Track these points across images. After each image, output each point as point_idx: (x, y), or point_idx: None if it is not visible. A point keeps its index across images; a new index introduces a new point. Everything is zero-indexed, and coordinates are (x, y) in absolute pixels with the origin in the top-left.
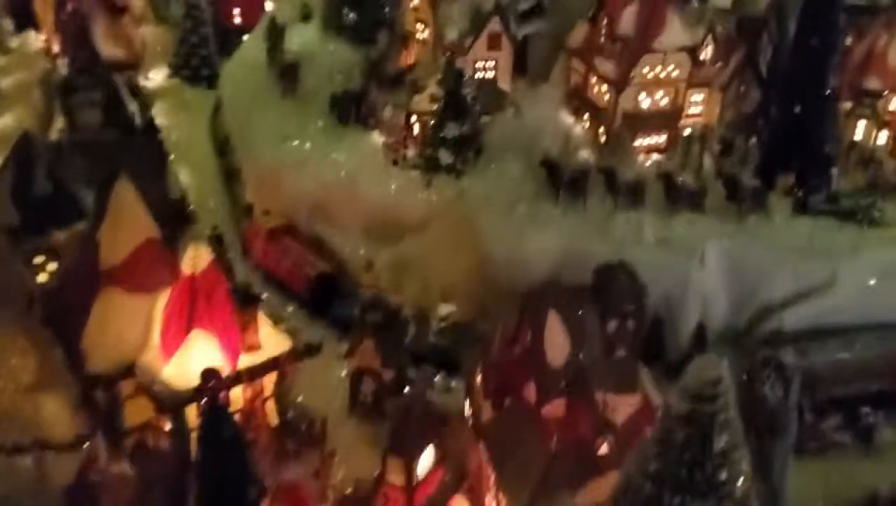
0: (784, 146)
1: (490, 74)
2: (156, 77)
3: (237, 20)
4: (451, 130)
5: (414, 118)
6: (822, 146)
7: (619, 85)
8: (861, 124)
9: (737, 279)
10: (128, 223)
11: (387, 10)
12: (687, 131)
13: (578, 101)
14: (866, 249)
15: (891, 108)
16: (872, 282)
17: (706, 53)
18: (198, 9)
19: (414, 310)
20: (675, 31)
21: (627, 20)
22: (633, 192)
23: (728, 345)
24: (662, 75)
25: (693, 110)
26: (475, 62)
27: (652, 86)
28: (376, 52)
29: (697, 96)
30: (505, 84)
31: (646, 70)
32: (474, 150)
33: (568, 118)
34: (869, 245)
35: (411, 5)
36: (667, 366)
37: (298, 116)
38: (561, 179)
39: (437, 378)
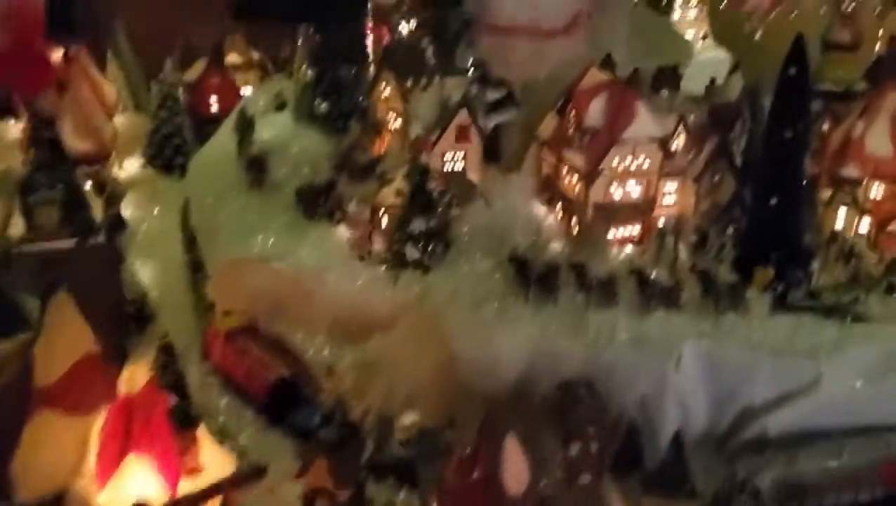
0: (761, 239)
1: (459, 166)
2: (129, 167)
3: (213, 108)
4: (418, 225)
5: (381, 212)
6: (799, 238)
7: (589, 176)
8: (842, 213)
9: (716, 381)
10: (65, 338)
11: (360, 99)
12: (661, 222)
13: (550, 192)
14: (851, 348)
15: (871, 195)
16: (858, 383)
17: (678, 143)
18: (171, 97)
19: (376, 418)
20: (644, 122)
21: (595, 111)
22: (605, 288)
23: (708, 452)
24: (633, 166)
25: (667, 201)
26: (443, 154)
27: (623, 177)
28: (346, 142)
29: (671, 187)
30: (475, 176)
31: (615, 161)
32: (442, 244)
33: (540, 209)
34: (853, 343)
35: (383, 95)
36: (644, 475)
37: (264, 210)
38: (530, 276)
39: (401, 495)
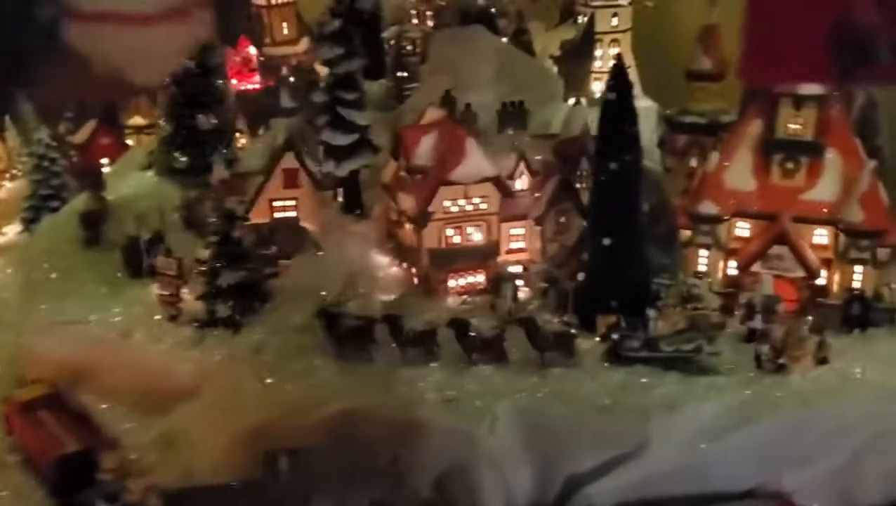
0: (602, 284)
1: (291, 214)
2: (8, 233)
3: (106, 169)
4: (227, 279)
5: (194, 266)
6: (641, 283)
7: (419, 220)
8: (703, 254)
9: (538, 445)
10: None
11: (223, 150)
12: (517, 269)
13: (392, 239)
14: (688, 404)
15: (737, 233)
16: (700, 443)
17: (521, 183)
18: (46, 158)
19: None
20: (475, 161)
21: (424, 152)
22: (422, 342)
23: None
24: (469, 208)
25: (514, 246)
26: (272, 201)
27: (459, 220)
28: (193, 194)
29: (517, 230)
30: (311, 224)
31: (447, 203)
32: (259, 299)
33: (381, 259)
34: (693, 398)
35: (239, 143)
36: None
37: (92, 268)
38: (340, 331)
39: None
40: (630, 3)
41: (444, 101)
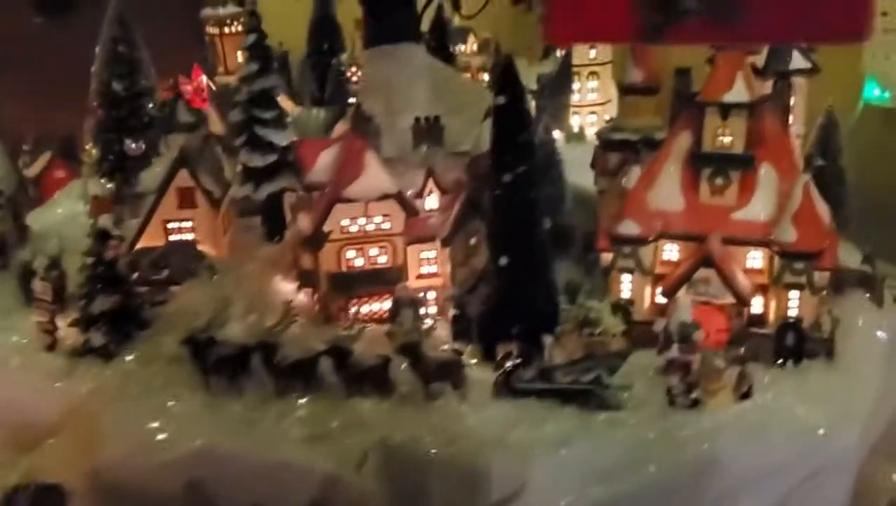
0: (501, 307)
1: (188, 236)
2: None
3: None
4: (101, 305)
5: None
6: (538, 306)
7: (313, 241)
8: (626, 280)
9: (408, 487)
10: None
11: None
12: (432, 295)
13: (296, 264)
14: (580, 442)
15: (665, 256)
16: (590, 486)
17: (431, 202)
18: None
19: None
20: (374, 177)
21: (322, 167)
22: (297, 372)
23: None
24: (371, 228)
25: (425, 270)
26: (166, 222)
27: (360, 241)
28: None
29: (428, 253)
30: (209, 247)
31: (345, 223)
32: (136, 326)
33: (286, 285)
34: (585, 436)
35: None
36: None
37: None
38: (209, 360)
39: None
40: None
41: (355, 115)
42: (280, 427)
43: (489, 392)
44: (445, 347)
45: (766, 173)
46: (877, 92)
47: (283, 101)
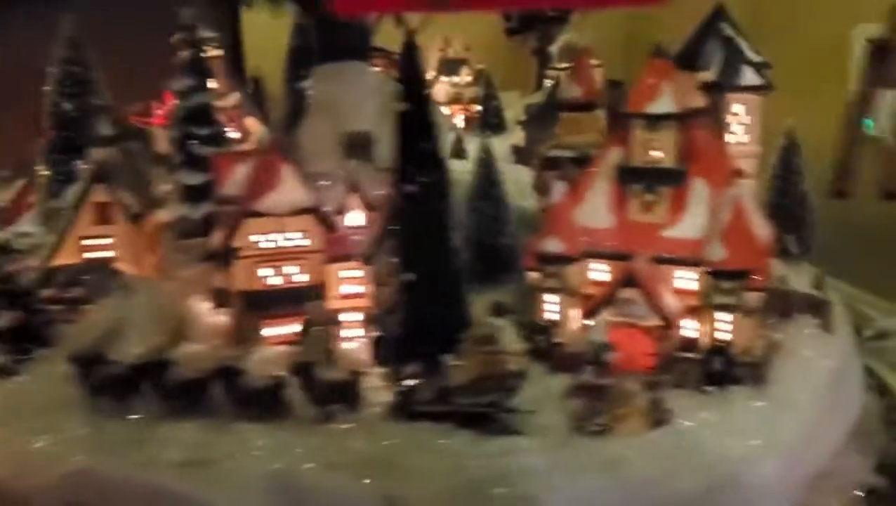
0: (408, 326)
1: (106, 253)
2: None
3: None
4: (3, 321)
5: None
6: (447, 325)
7: (223, 256)
8: (551, 300)
9: None
10: None
11: None
12: (355, 316)
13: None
14: (450, 472)
15: (593, 276)
16: None
17: (354, 219)
18: None
19: None
20: (289, 191)
21: (237, 181)
22: (186, 393)
23: None
24: (287, 245)
25: (348, 290)
26: (81, 239)
27: (276, 258)
28: None
29: (351, 272)
30: (128, 265)
31: (258, 238)
32: (38, 344)
33: (202, 304)
34: (477, 463)
35: None
36: None
37: None
38: (98, 379)
39: None
40: (599, 65)
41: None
42: (161, 451)
43: (378, 416)
44: (347, 369)
45: (698, 189)
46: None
47: (250, 123)
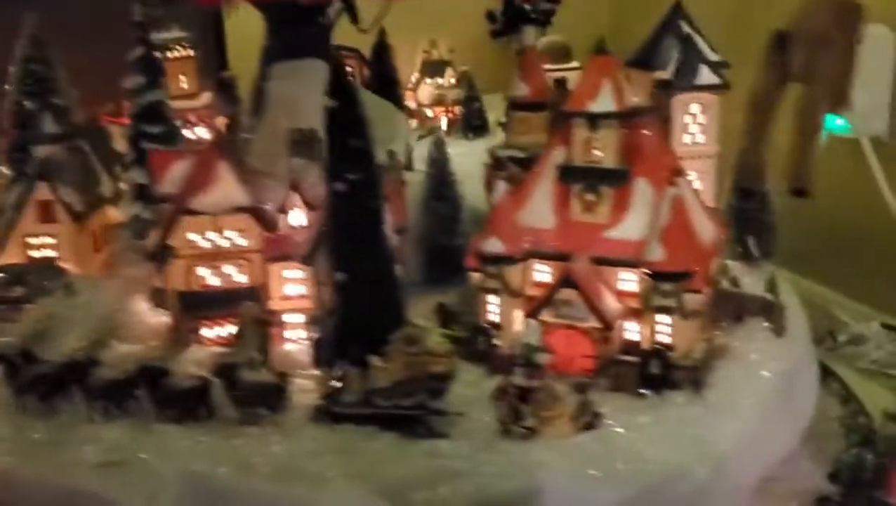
0: (342, 328)
1: (50, 252)
2: None
3: None
4: None
5: None
6: (381, 327)
7: (157, 256)
8: (493, 301)
9: None
10: None
11: None
12: (297, 318)
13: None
14: (381, 473)
15: (536, 277)
16: None
17: (296, 218)
18: None
19: None
20: (225, 189)
21: (174, 179)
22: (110, 394)
23: None
24: (225, 244)
25: (291, 291)
26: (25, 238)
27: (214, 258)
28: None
29: (292, 273)
30: (72, 264)
31: (194, 237)
32: None
33: (141, 304)
34: (390, 467)
35: None
36: None
37: None
38: (23, 379)
39: None
40: (578, 68)
41: (231, 123)
42: (81, 452)
43: (300, 419)
44: (275, 371)
45: (641, 189)
46: (839, 122)
47: (220, 123)
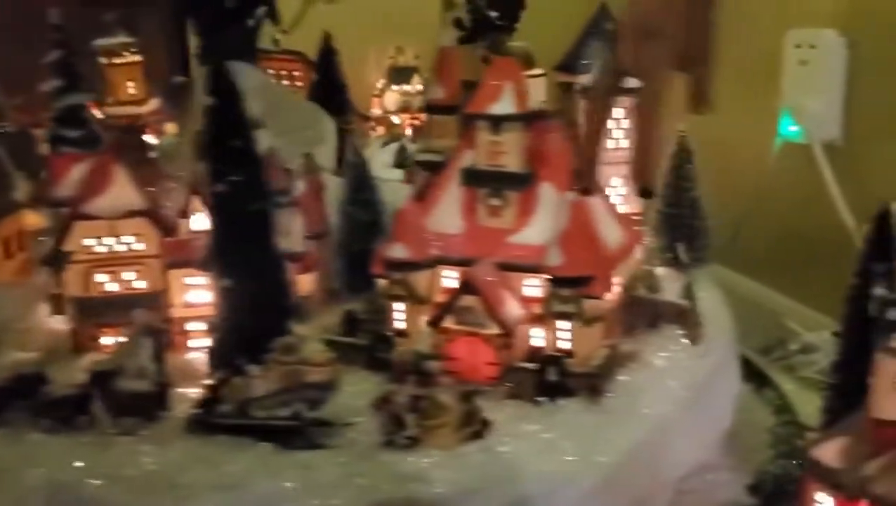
0: (228, 337)
1: None
2: None
3: None
4: None
5: None
6: (268, 336)
7: (52, 261)
8: (399, 308)
9: None
10: None
11: None
12: (198, 325)
13: None
14: (259, 485)
15: (444, 283)
16: None
17: (198, 222)
18: None
19: None
20: (120, 193)
21: (71, 182)
22: (58, 408)
23: None
24: (121, 249)
25: (193, 297)
26: None
27: (112, 264)
28: None
29: (194, 279)
30: None
31: (90, 242)
32: None
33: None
34: (266, 478)
35: None
36: None
37: None
38: None
39: None
40: (542, 74)
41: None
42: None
43: (174, 430)
44: (154, 380)
45: (546, 193)
46: (792, 128)
47: (170, 129)
